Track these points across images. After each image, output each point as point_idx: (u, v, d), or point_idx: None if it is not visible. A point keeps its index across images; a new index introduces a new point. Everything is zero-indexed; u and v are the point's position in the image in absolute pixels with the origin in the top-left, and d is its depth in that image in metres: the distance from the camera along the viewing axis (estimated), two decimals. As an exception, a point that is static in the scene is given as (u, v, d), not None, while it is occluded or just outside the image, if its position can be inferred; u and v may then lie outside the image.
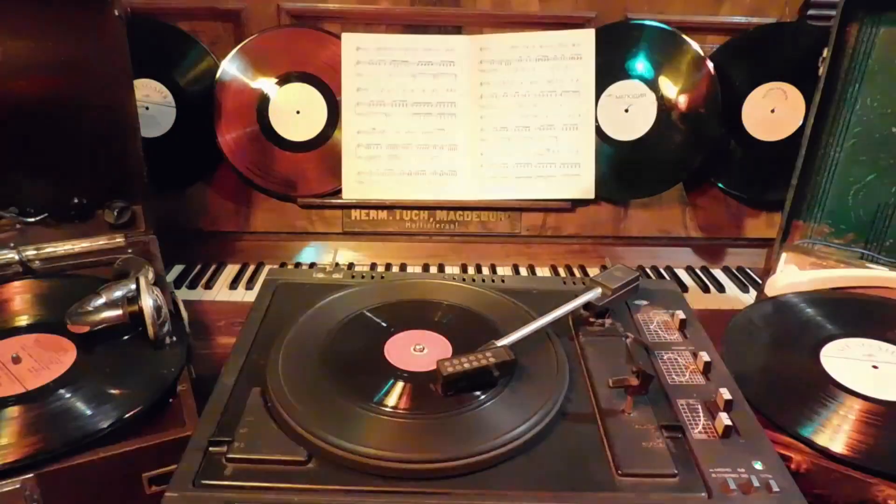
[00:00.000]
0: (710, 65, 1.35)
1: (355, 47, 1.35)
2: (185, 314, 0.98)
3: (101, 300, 0.91)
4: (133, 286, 0.91)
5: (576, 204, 1.40)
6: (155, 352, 0.89)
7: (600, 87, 1.37)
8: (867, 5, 1.06)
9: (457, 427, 0.70)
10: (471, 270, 1.40)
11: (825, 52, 1.09)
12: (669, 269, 1.43)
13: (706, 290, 1.35)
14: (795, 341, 0.96)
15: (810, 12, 1.37)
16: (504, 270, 1.40)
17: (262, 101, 1.35)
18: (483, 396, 0.74)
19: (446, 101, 1.37)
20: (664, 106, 1.37)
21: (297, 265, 1.38)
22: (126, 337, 0.91)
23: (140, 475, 0.78)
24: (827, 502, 0.76)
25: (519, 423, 0.69)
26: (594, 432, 0.72)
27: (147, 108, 1.32)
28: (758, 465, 0.67)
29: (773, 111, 1.38)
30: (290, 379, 0.75)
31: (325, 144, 1.37)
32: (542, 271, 1.40)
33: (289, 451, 0.67)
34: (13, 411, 0.79)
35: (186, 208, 1.38)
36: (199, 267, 1.37)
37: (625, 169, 1.39)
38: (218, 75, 1.33)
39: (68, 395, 0.81)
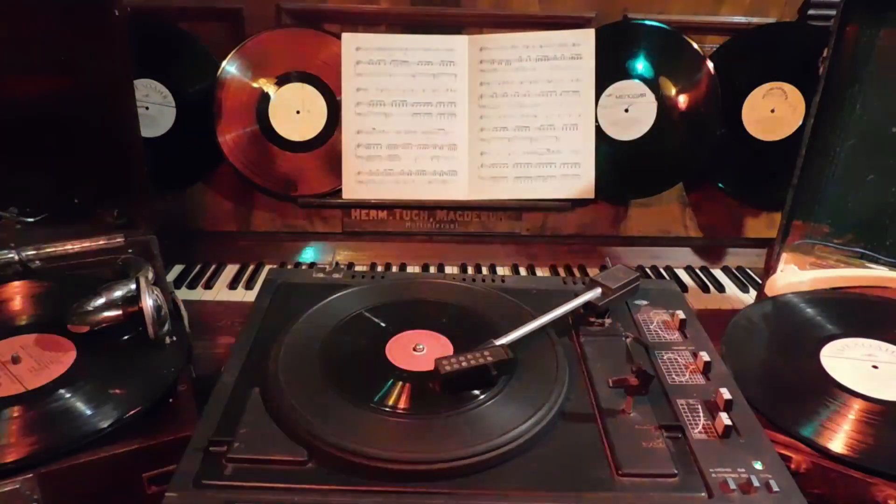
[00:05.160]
0: (710, 65, 1.35)
1: (355, 47, 1.35)
2: (185, 314, 0.98)
3: (101, 300, 0.91)
4: (133, 286, 0.91)
5: (576, 204, 1.40)
6: (155, 352, 0.89)
7: (600, 87, 1.37)
8: (867, 5, 1.06)
9: (457, 427, 0.70)
10: (471, 270, 1.40)
11: (825, 52, 1.09)
12: (669, 269, 1.43)
13: (706, 290, 1.35)
14: (795, 341, 0.96)
15: (810, 12, 1.37)
16: (504, 270, 1.40)
17: (262, 101, 1.35)
18: (483, 396, 0.74)
19: (446, 101, 1.37)
20: (664, 106, 1.37)
21: (297, 265, 1.38)
22: (126, 337, 0.91)
23: (140, 475, 0.78)
24: (827, 502, 0.76)
25: (519, 422, 0.69)
26: (594, 432, 0.71)
27: (147, 108, 1.32)
28: (758, 465, 0.67)
29: (773, 111, 1.38)
30: (290, 379, 0.75)
31: (325, 144, 1.37)
32: (542, 271, 1.40)
33: (289, 451, 0.67)
34: (13, 411, 0.79)
35: (186, 208, 1.38)
36: (199, 267, 1.37)
37: (625, 169, 1.39)
38: (218, 75, 1.33)
39: (68, 395, 0.81)
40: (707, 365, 0.81)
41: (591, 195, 1.38)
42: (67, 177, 1.10)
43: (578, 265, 1.41)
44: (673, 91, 1.37)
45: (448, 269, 1.39)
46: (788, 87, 1.36)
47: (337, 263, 1.04)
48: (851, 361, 0.91)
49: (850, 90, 1.10)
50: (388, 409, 0.72)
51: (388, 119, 1.36)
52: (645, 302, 0.96)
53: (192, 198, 1.38)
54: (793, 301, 1.06)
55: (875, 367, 0.90)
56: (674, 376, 0.81)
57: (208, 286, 1.31)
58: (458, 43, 1.37)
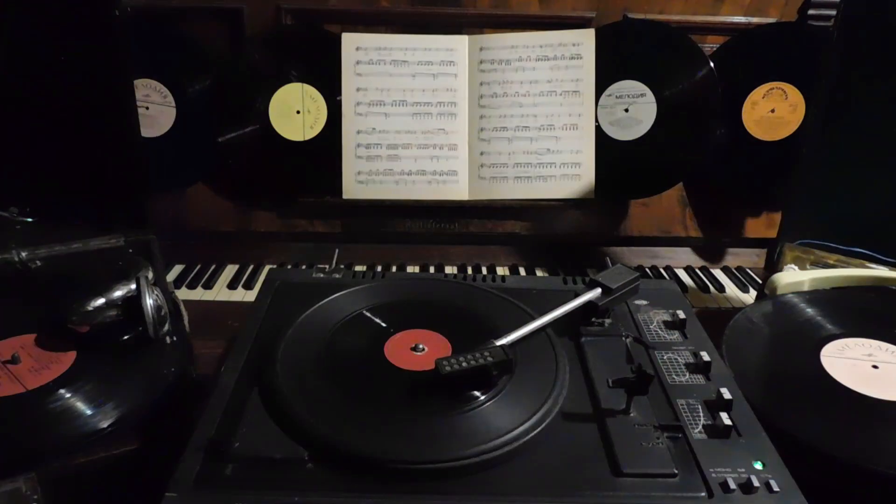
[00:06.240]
0: (710, 65, 1.35)
1: (355, 47, 1.35)
2: (185, 314, 0.98)
3: (101, 300, 0.91)
4: (133, 286, 0.91)
5: (576, 204, 1.40)
6: (155, 352, 0.89)
7: (600, 87, 1.37)
8: (867, 5, 1.06)
9: (457, 427, 0.70)
10: (470, 270, 1.40)
11: (825, 52, 1.09)
12: (669, 269, 1.43)
13: (706, 290, 1.35)
14: (795, 341, 0.96)
15: (810, 12, 1.37)
16: (504, 270, 1.40)
17: (262, 101, 1.35)
18: (483, 396, 0.74)
19: (446, 101, 1.37)
20: (664, 106, 1.37)
21: (297, 265, 1.38)
22: (126, 337, 0.91)
23: (140, 475, 0.78)
24: (827, 502, 0.76)
25: (519, 423, 0.70)
26: (594, 432, 0.72)
27: (147, 108, 1.32)
28: (758, 465, 0.67)
29: (773, 111, 1.38)
30: (290, 379, 0.75)
31: (325, 144, 1.37)
32: (542, 271, 1.40)
33: (289, 451, 0.67)
34: (13, 411, 0.79)
35: (186, 208, 1.38)
36: (199, 267, 1.37)
37: (625, 169, 1.39)
38: (218, 75, 1.33)
39: (68, 395, 0.81)
40: (707, 365, 0.81)
41: (591, 195, 1.38)
42: (67, 177, 1.10)
43: (578, 265, 1.41)
44: (673, 91, 1.37)
45: (448, 270, 1.39)
46: (788, 87, 1.36)
47: (337, 263, 1.04)
48: (851, 361, 0.91)
49: (850, 90, 1.10)
50: (388, 410, 0.72)
51: (388, 119, 1.36)
52: (645, 302, 0.96)
53: (192, 198, 1.38)
54: (793, 301, 1.06)
55: (875, 367, 0.90)
56: (674, 376, 0.81)
57: (208, 286, 1.31)
58: (458, 43, 1.37)
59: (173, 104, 1.34)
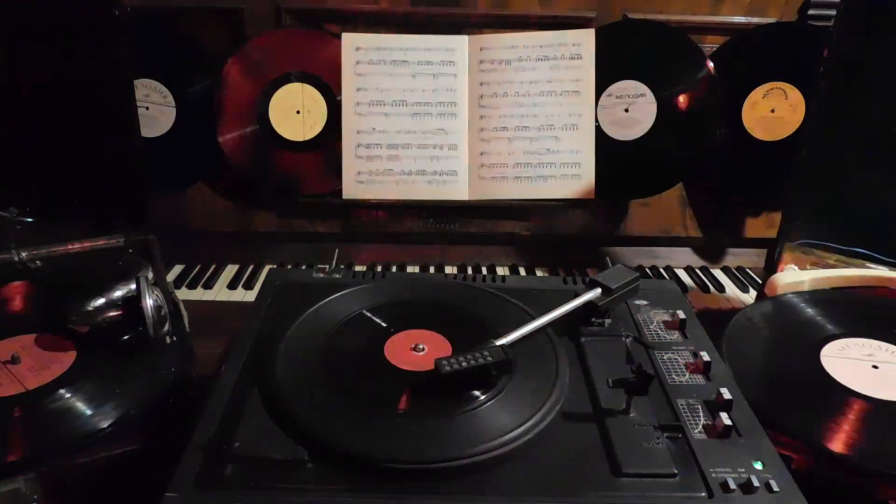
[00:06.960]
0: (710, 65, 1.35)
1: (355, 47, 1.35)
2: (185, 314, 0.98)
3: (101, 300, 0.91)
4: (133, 286, 0.91)
5: (576, 204, 1.40)
6: (155, 352, 0.89)
7: (600, 87, 1.37)
8: (867, 5, 1.06)
9: (457, 427, 0.70)
10: (470, 270, 1.40)
11: (825, 52, 1.09)
12: (669, 269, 1.43)
13: (706, 290, 1.35)
14: (795, 341, 0.96)
15: (810, 12, 1.37)
16: (504, 270, 1.40)
17: (262, 101, 1.35)
18: (483, 396, 0.74)
19: (446, 101, 1.37)
20: (664, 106, 1.37)
21: (297, 265, 1.38)
22: (126, 337, 0.91)
23: (140, 475, 0.78)
24: (827, 502, 0.76)
25: (519, 423, 0.69)
26: (594, 432, 0.71)
27: (147, 108, 1.32)
28: (758, 465, 0.67)
29: (773, 111, 1.38)
30: (290, 379, 0.75)
31: (325, 144, 1.37)
32: (542, 271, 1.40)
33: (289, 451, 0.67)
34: (13, 411, 0.79)
35: (186, 208, 1.38)
36: (199, 267, 1.37)
37: (625, 169, 1.39)
38: (218, 75, 1.33)
39: (68, 395, 0.81)
40: (707, 365, 0.81)
41: (591, 195, 1.38)
42: (67, 177, 1.10)
43: (578, 265, 1.41)
44: (673, 91, 1.37)
45: (448, 270, 1.39)
46: (788, 87, 1.36)
47: (337, 263, 1.04)
48: (851, 361, 0.91)
49: (850, 90, 1.10)
50: (387, 410, 0.72)
51: (387, 119, 1.36)
52: (645, 302, 0.96)
53: (192, 198, 1.38)
54: (793, 301, 1.06)
55: (875, 367, 0.90)
56: (674, 376, 0.81)
57: (208, 286, 1.31)
58: (458, 43, 1.37)
59: (173, 104, 1.34)
